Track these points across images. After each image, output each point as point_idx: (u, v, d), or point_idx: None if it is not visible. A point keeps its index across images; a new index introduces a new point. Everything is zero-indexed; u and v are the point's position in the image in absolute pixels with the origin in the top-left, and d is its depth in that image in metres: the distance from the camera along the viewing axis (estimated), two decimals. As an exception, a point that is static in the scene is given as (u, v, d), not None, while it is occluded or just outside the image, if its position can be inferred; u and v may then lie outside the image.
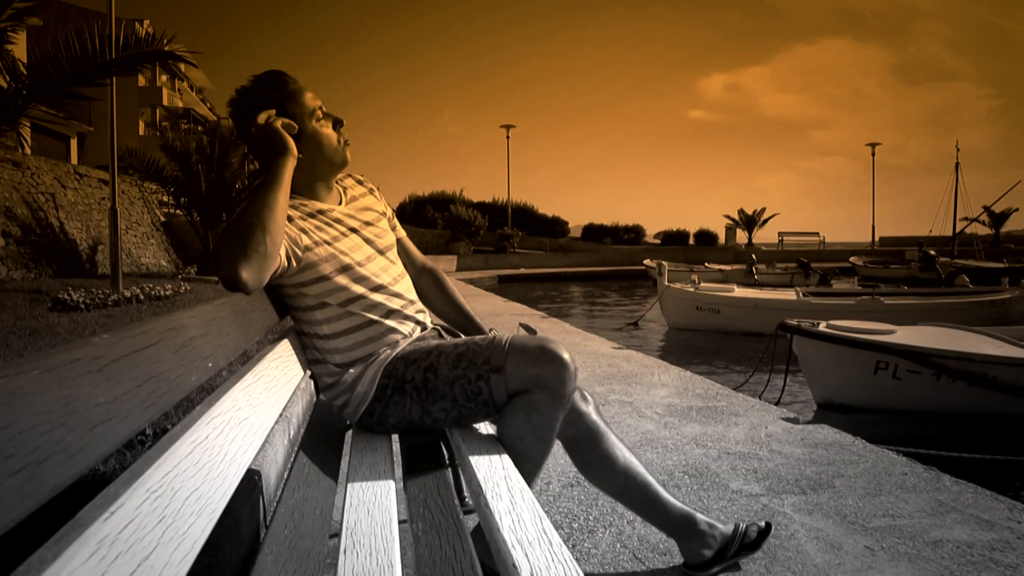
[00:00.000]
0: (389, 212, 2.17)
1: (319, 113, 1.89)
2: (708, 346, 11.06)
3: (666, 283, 12.85)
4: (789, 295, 12.18)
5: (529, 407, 1.74)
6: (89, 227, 14.29)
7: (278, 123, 1.74)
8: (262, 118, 1.75)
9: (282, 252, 1.65)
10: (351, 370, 1.85)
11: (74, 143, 25.09)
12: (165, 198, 17.39)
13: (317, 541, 1.22)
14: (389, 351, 1.86)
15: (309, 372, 1.90)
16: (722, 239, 41.15)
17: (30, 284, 9.45)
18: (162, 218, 19.10)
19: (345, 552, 1.17)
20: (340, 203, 1.97)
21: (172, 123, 28.43)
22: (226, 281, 1.46)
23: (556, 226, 40.00)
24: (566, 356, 1.76)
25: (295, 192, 1.85)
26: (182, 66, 47.70)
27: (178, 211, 16.44)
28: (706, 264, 28.32)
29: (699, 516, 2.06)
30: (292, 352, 1.75)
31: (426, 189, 42.43)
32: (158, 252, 17.18)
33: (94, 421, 0.63)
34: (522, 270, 31.17)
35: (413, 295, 2.04)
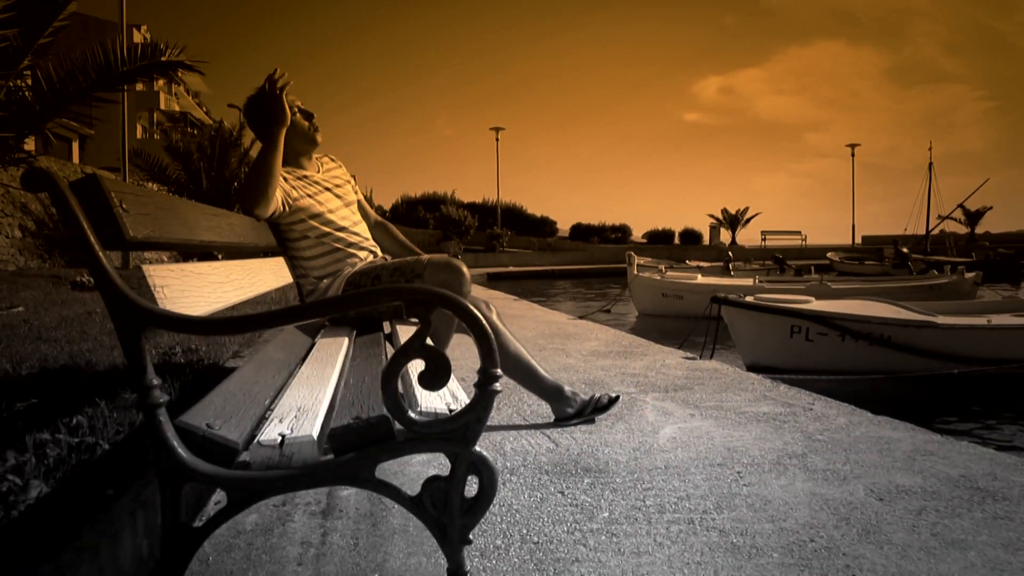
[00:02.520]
0: (353, 181, 3.14)
1: (297, 110, 2.84)
2: (671, 328, 12.02)
3: (635, 272, 13.83)
4: (747, 281, 13.16)
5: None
6: (96, 224, 15.21)
7: (285, 96, 2.62)
8: (280, 83, 2.60)
9: (279, 199, 2.60)
10: (324, 280, 2.81)
11: (75, 145, 25.99)
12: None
13: (293, 355, 2.17)
14: (350, 268, 2.82)
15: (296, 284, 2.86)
16: (707, 238, 42.17)
17: (48, 271, 10.39)
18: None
19: (309, 361, 2.10)
20: (318, 172, 2.94)
21: (171, 126, 29.29)
22: (246, 211, 2.42)
23: (545, 226, 41.04)
24: (463, 267, 2.71)
25: (287, 164, 2.80)
26: (180, 72, 48.39)
27: (179, 209, 17.31)
28: (687, 262, 29.28)
29: (565, 387, 3.02)
30: (284, 265, 2.71)
31: (420, 190, 43.54)
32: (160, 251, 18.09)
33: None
34: (511, 268, 32.11)
35: (367, 235, 3.00)
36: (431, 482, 1.18)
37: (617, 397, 3.13)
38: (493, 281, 28.26)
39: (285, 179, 2.71)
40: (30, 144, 9.02)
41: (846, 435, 2.81)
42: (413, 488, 1.22)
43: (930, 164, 32.19)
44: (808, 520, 1.93)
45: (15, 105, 5.96)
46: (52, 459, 1.69)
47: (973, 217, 43.68)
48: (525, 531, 1.87)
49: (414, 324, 2.80)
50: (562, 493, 2.16)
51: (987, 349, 6.48)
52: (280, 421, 1.23)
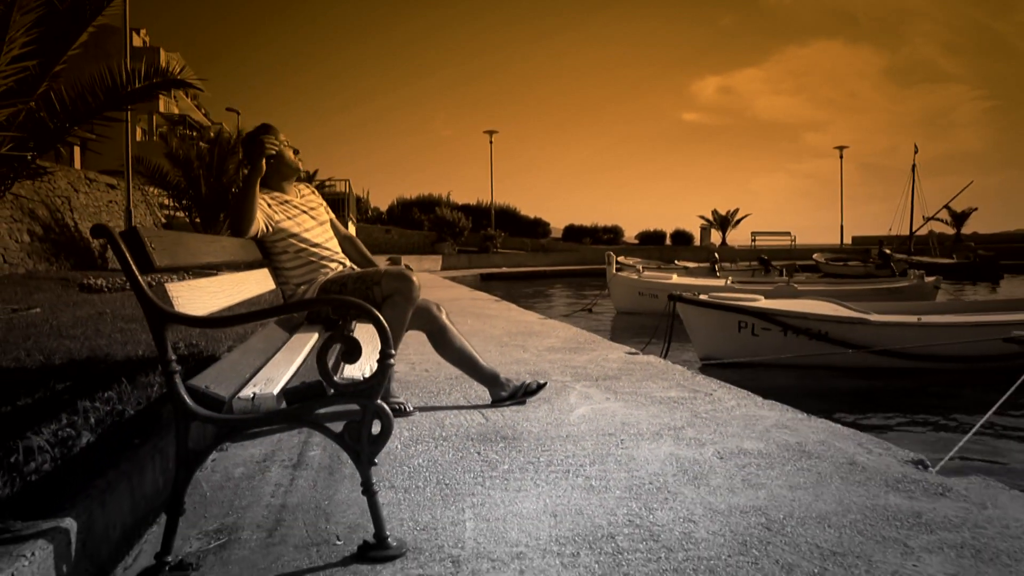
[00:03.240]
0: (325, 204, 3.79)
1: (285, 145, 3.49)
2: (646, 325, 12.67)
3: (614, 271, 14.49)
4: (719, 282, 13.82)
5: (392, 304, 3.33)
6: (98, 227, 15.84)
7: (268, 147, 3.27)
8: (267, 142, 3.26)
9: (262, 222, 3.25)
10: (302, 287, 3.45)
11: (77, 150, 26.61)
12: (166, 200, 18.95)
13: (271, 345, 2.81)
14: (323, 277, 3.47)
15: (280, 291, 3.51)
16: (697, 239, 42.84)
17: (56, 274, 11.03)
18: (163, 219, 20.65)
19: (283, 350, 2.74)
20: (297, 197, 3.58)
21: (169, 128, 29.88)
22: (233, 231, 3.06)
23: (538, 227, 41.73)
24: (414, 277, 3.36)
25: (271, 189, 3.45)
26: (179, 77, 48.92)
27: (178, 212, 18.01)
28: (676, 262, 29.91)
29: (501, 375, 3.66)
30: (268, 275, 3.36)
31: (418, 191, 44.21)
32: (160, 250, 18.73)
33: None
34: (504, 269, 32.75)
35: (337, 249, 3.64)
36: (349, 424, 1.82)
37: (545, 383, 3.79)
38: (486, 281, 28.93)
39: (269, 204, 3.36)
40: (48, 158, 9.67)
41: (726, 414, 3.45)
42: (339, 429, 1.87)
43: (913, 166, 32.89)
44: (655, 471, 2.57)
45: (33, 125, 6.60)
46: (94, 419, 2.33)
47: (959, 218, 44.41)
48: (441, 477, 2.52)
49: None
50: (478, 453, 2.80)
51: (913, 343, 7.12)
52: (254, 385, 1.88)
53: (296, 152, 3.59)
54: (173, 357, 1.75)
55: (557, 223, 44.93)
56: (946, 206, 36.89)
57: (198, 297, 2.10)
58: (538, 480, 2.48)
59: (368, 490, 1.83)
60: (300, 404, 1.80)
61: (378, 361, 1.81)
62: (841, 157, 43.57)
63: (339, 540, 1.97)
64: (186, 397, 1.74)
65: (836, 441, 2.95)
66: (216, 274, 2.55)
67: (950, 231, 44.46)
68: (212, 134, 41.29)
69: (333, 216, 3.83)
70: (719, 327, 7.82)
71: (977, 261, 29.36)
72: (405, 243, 36.42)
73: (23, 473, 1.85)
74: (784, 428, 3.17)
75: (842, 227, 43.01)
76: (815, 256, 33.14)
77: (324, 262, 3.52)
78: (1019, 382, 4.04)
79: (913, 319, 7.58)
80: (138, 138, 39.34)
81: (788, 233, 43.09)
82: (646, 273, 14.54)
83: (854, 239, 48.20)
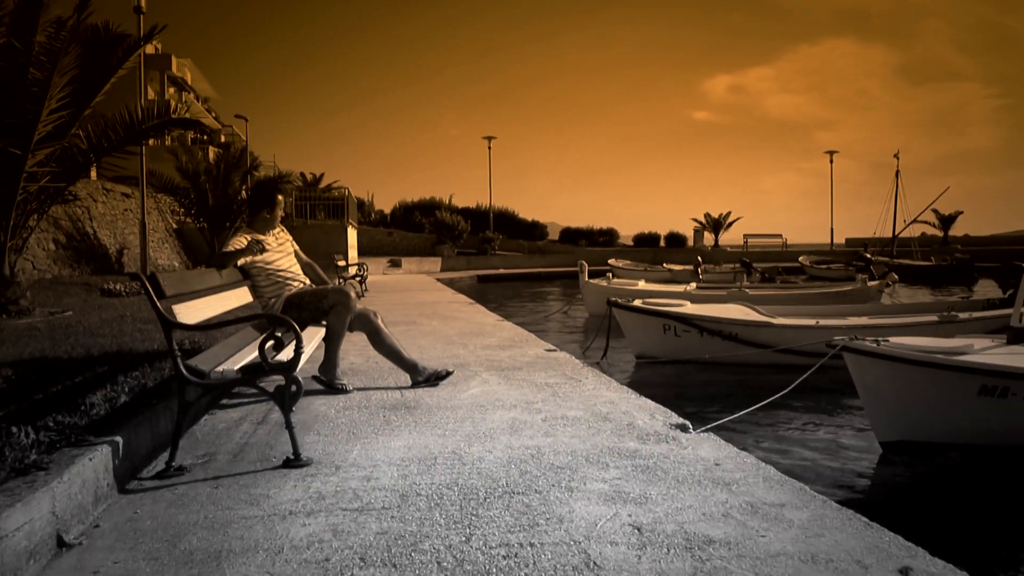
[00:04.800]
0: (291, 239, 5.14)
1: (280, 203, 4.85)
2: (614, 327, 13.96)
3: (585, 279, 15.79)
4: (680, 288, 15.10)
5: (335, 312, 4.67)
6: (115, 234, 17.27)
7: (249, 241, 4.61)
8: (253, 248, 4.63)
9: (239, 251, 4.59)
10: (272, 300, 4.79)
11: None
12: (177, 208, 20.38)
13: (244, 342, 4.15)
14: (288, 292, 4.81)
15: (258, 301, 4.85)
16: (691, 241, 44.04)
17: (78, 279, 12.43)
18: (174, 225, 22.07)
19: (248, 346, 4.07)
20: (273, 237, 4.92)
21: (179, 144, 31.27)
22: (218, 267, 4.41)
23: (535, 230, 43.07)
24: (351, 292, 4.70)
25: (257, 230, 4.80)
26: (188, 78, 49.91)
27: (188, 219, 19.44)
28: (665, 264, 31.13)
29: (419, 363, 4.99)
30: (247, 291, 4.70)
31: (422, 193, 45.55)
32: (171, 254, 20.15)
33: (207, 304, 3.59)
34: (501, 271, 34.10)
35: (299, 272, 4.99)
36: (277, 387, 3.15)
37: (452, 371, 5.12)
38: (483, 283, 30.33)
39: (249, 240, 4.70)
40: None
41: (578, 395, 4.75)
42: (271, 388, 3.20)
43: (897, 172, 33.97)
44: (493, 427, 3.88)
45: (65, 160, 7.96)
46: (128, 388, 3.67)
47: (946, 221, 45.51)
48: (351, 430, 3.85)
49: (323, 326, 4.78)
50: (384, 417, 4.12)
51: (809, 342, 8.37)
52: (224, 364, 3.22)
53: (279, 205, 4.97)
54: (177, 349, 3.09)
55: (558, 224, 46.26)
56: (932, 208, 37.95)
57: (191, 312, 3.44)
58: (413, 432, 3.80)
59: (288, 426, 3.17)
60: (249, 375, 3.14)
61: (294, 351, 3.14)
62: (831, 161, 44.72)
63: (274, 459, 3.30)
64: (184, 370, 3.08)
65: (634, 410, 4.25)
66: (204, 296, 3.85)
67: (938, 233, 45.57)
68: (222, 138, 42.63)
69: (298, 248, 5.18)
70: (647, 329, 9.12)
71: (953, 264, 30.47)
72: (406, 245, 37.77)
73: (90, 415, 3.18)
74: (609, 403, 4.46)
75: (832, 229, 44.22)
76: (800, 259, 34.30)
77: (289, 282, 4.87)
78: (791, 386, 5.27)
79: (812, 322, 8.85)
80: (151, 143, 40.89)
81: (779, 235, 44.27)
82: (614, 280, 15.83)
83: (848, 240, 49.27)
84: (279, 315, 3.24)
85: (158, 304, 3.10)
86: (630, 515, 2.58)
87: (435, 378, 5.01)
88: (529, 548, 2.31)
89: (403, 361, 4.97)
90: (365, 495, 2.81)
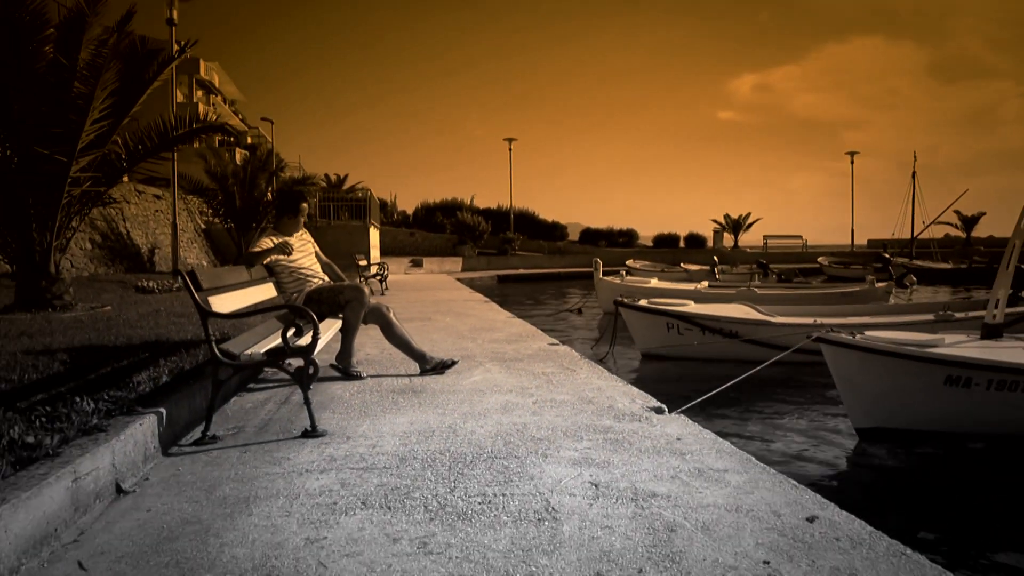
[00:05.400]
0: (312, 241, 5.66)
1: (304, 210, 5.38)
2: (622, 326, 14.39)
3: (599, 276, 16.22)
4: (691, 287, 15.48)
5: (350, 307, 5.18)
6: (147, 234, 18.00)
7: (279, 243, 5.14)
8: (280, 249, 5.16)
9: (266, 251, 5.12)
10: (294, 295, 5.31)
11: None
12: (205, 209, 21.11)
13: (270, 330, 4.67)
14: (309, 287, 5.33)
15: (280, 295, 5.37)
16: (711, 242, 44.24)
17: (113, 277, 13.10)
18: (202, 225, 22.81)
19: (274, 333, 4.59)
20: (297, 238, 5.45)
21: (208, 147, 32.11)
22: (246, 265, 4.93)
23: (555, 230, 43.52)
24: (365, 288, 5.21)
25: (283, 232, 5.32)
26: (216, 81, 50.89)
27: (216, 220, 20.14)
28: (682, 265, 31.43)
29: (428, 354, 5.48)
30: (272, 287, 5.23)
31: (444, 194, 46.13)
32: (200, 253, 20.88)
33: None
34: (520, 271, 34.62)
35: (319, 270, 5.50)
36: (297, 368, 3.66)
37: (456, 361, 5.61)
38: (503, 283, 30.87)
39: (275, 243, 5.23)
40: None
41: (570, 383, 5.22)
42: (292, 370, 3.71)
43: (913, 173, 34.02)
44: (488, 407, 4.36)
45: (105, 166, 8.57)
46: (168, 370, 4.21)
47: (968, 222, 45.31)
48: (363, 409, 4.35)
49: (340, 319, 5.29)
50: (393, 399, 4.62)
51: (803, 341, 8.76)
52: (252, 348, 3.73)
53: (304, 212, 5.51)
54: (213, 335, 3.61)
55: (581, 225, 46.61)
56: (954, 210, 37.87)
57: (224, 304, 3.96)
58: (416, 411, 4.29)
59: (306, 401, 3.68)
60: (274, 357, 3.65)
61: (311, 337, 3.65)
62: (852, 163, 44.69)
63: (294, 431, 3.80)
64: (218, 353, 3.59)
65: (617, 395, 4.71)
66: (234, 290, 4.36)
67: (961, 235, 45.39)
68: (248, 139, 43.45)
69: (318, 249, 5.70)
70: (652, 327, 9.55)
71: (971, 267, 30.46)
72: (428, 246, 38.40)
73: (137, 391, 3.71)
74: (596, 390, 4.93)
75: (852, 230, 44.12)
76: (819, 260, 34.42)
77: (309, 279, 5.38)
78: (758, 368, 5.69)
79: (810, 320, 9.22)
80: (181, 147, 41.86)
81: (799, 236, 44.33)
82: (628, 278, 16.25)
83: (869, 242, 49.15)
84: (300, 306, 3.74)
85: (196, 296, 3.62)
86: (591, 476, 3.05)
87: (441, 367, 5.50)
88: (501, 497, 2.79)
89: (412, 351, 5.47)
90: (370, 458, 3.31)
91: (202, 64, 45.44)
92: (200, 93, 46.16)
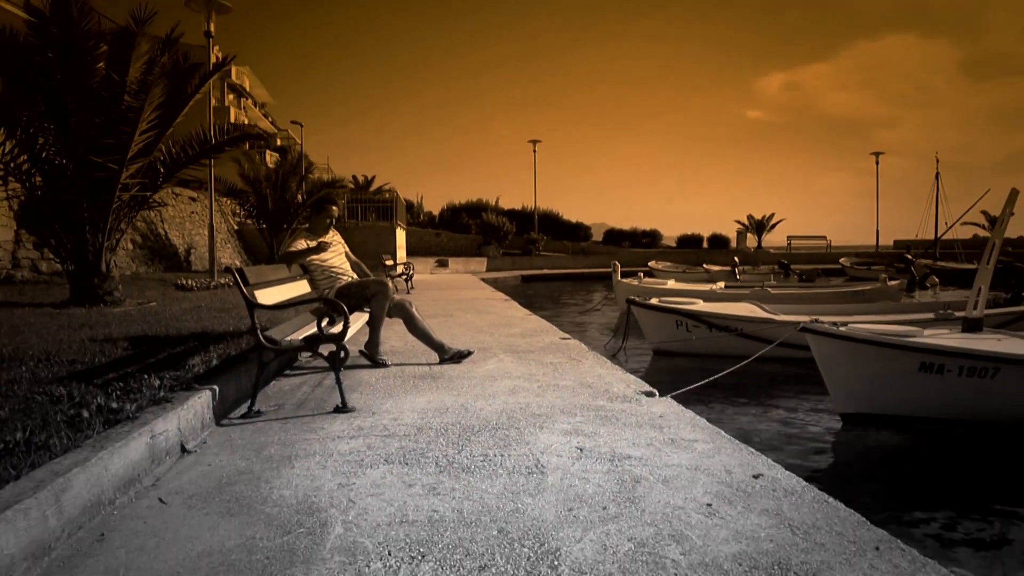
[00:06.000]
0: (343, 242, 6.26)
1: (335, 214, 5.99)
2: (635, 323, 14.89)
3: (618, 278, 16.70)
4: (706, 287, 15.90)
5: (376, 300, 5.77)
6: (183, 235, 18.80)
7: (319, 243, 5.75)
8: (317, 249, 5.78)
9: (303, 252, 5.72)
10: (326, 291, 5.91)
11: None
12: (238, 210, 21.92)
13: (304, 322, 5.27)
14: (339, 283, 5.92)
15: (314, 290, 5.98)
16: (734, 243, 44.41)
17: (153, 275, 13.85)
18: (235, 226, 23.64)
19: (309, 323, 5.19)
20: (329, 238, 6.05)
21: (242, 152, 33.04)
22: (286, 264, 5.54)
23: (579, 231, 44.00)
24: (389, 283, 5.80)
25: (316, 234, 5.93)
26: (247, 85, 51.99)
27: (248, 221, 20.94)
28: (704, 265, 31.74)
29: (446, 344, 6.06)
30: (306, 283, 5.84)
31: (469, 195, 46.85)
32: (233, 253, 21.68)
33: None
34: (544, 271, 35.17)
35: (348, 268, 6.10)
36: (330, 352, 4.24)
37: (472, 352, 6.17)
38: (526, 282, 31.45)
39: (311, 244, 5.83)
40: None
41: (574, 370, 5.75)
42: (326, 354, 4.29)
43: (936, 174, 33.96)
44: (497, 390, 4.91)
45: (151, 173, 9.25)
46: (217, 355, 4.81)
47: (995, 222, 44.96)
48: (387, 391, 4.92)
49: (366, 312, 5.87)
50: (414, 383, 5.19)
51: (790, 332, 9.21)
52: (292, 335, 4.32)
53: (336, 210, 6.11)
54: (258, 323, 4.20)
55: (607, 225, 46.97)
56: (981, 211, 37.67)
57: (266, 297, 4.55)
58: (434, 392, 4.85)
59: (338, 381, 4.26)
60: (310, 342, 4.24)
61: (342, 324, 4.23)
62: (877, 163, 44.64)
63: (327, 408, 4.38)
64: (262, 339, 4.19)
65: (615, 382, 5.24)
66: (275, 286, 4.96)
67: (988, 235, 45.02)
68: (278, 141, 44.40)
69: (348, 249, 6.29)
70: (662, 324, 10.03)
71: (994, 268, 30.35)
72: (453, 246, 39.07)
73: (193, 371, 4.30)
74: (597, 377, 5.45)
75: (877, 231, 44.11)
76: (841, 260, 34.53)
77: (340, 276, 5.98)
78: (749, 359, 6.17)
79: (810, 317, 9.64)
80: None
81: (824, 237, 44.37)
82: (645, 280, 16.73)
83: (896, 242, 48.97)
84: (333, 299, 4.32)
85: (244, 290, 4.21)
86: (578, 443, 3.59)
87: (458, 356, 6.06)
88: (500, 457, 3.34)
89: (432, 342, 6.04)
90: (392, 428, 3.87)
91: (233, 69, 46.53)
92: (231, 97, 47.26)
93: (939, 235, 32.74)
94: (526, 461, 3.28)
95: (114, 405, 3.32)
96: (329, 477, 3.07)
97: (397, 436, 3.72)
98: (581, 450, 3.46)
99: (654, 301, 10.35)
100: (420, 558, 2.29)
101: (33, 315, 7.35)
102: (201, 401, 3.85)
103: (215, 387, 4.05)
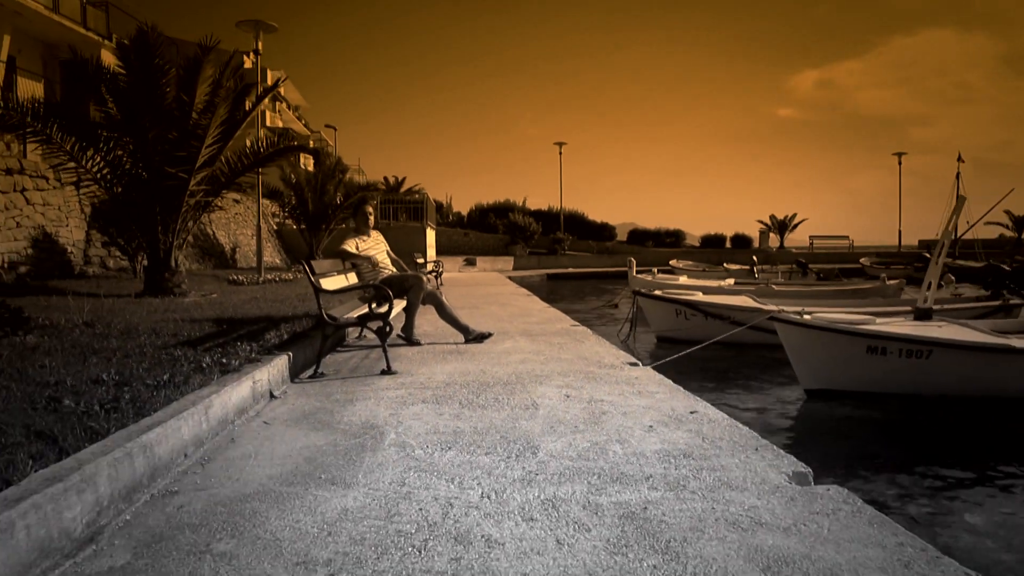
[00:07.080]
0: (383, 240, 7.48)
1: (373, 215, 7.22)
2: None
3: (633, 273, 17.79)
4: (715, 283, 16.92)
5: (412, 290, 6.98)
6: (229, 235, 20.23)
7: (363, 246, 6.99)
8: (363, 257, 6.99)
9: (354, 250, 6.94)
10: (371, 281, 7.13)
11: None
12: (278, 211, 23.35)
13: (355, 305, 6.47)
14: (381, 276, 7.14)
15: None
16: (756, 242, 45.11)
17: (206, 271, 15.22)
18: (274, 227, 25.08)
19: (360, 306, 6.40)
20: (371, 237, 7.27)
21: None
22: (342, 259, 6.77)
23: (604, 231, 45.04)
24: (423, 278, 7.02)
25: (361, 233, 7.17)
26: (282, 90, 53.54)
27: (289, 221, 22.34)
28: (724, 265, 32.60)
29: (471, 326, 7.24)
30: (353, 275, 7.07)
31: (499, 194, 48.10)
32: (273, 252, 23.11)
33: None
34: (569, 269, 36.28)
35: (389, 263, 7.33)
36: (379, 327, 5.44)
37: (492, 334, 7.34)
38: (552, 280, 32.61)
39: (357, 244, 7.04)
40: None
41: (576, 347, 6.88)
42: (374, 328, 5.49)
43: (957, 174, 34.38)
44: (510, 360, 6.07)
45: (213, 181, 10.56)
46: (286, 331, 6.03)
47: (1019, 222, 45.20)
48: (422, 361, 6.11)
49: (404, 300, 7.07)
50: (442, 356, 6.37)
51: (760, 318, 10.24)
52: (348, 314, 5.54)
53: (372, 210, 7.33)
54: (323, 304, 5.42)
55: (633, 224, 47.90)
56: (1004, 210, 38.02)
57: (328, 283, 5.78)
58: (458, 362, 6.02)
59: (384, 350, 5.46)
60: (362, 319, 5.44)
61: (386, 307, 5.43)
62: (900, 164, 45.07)
63: (375, 372, 5.58)
64: (325, 316, 5.40)
65: (607, 355, 6.37)
66: (332, 277, 6.17)
67: (1012, 235, 45.31)
68: (311, 143, 45.93)
69: (388, 247, 7.51)
70: (664, 313, 11.13)
71: (1010, 269, 30.89)
72: (481, 245, 40.31)
73: (268, 343, 5.52)
74: (594, 352, 6.58)
75: (900, 230, 44.59)
76: (861, 260, 35.15)
77: (381, 270, 7.19)
78: (719, 338, 7.26)
79: (797, 309, 10.66)
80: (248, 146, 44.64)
81: (846, 237, 44.92)
82: (659, 276, 17.81)
83: (920, 242, 49.27)
84: (380, 285, 5.52)
85: (312, 279, 5.43)
86: (567, 393, 4.74)
87: (481, 337, 7.24)
88: (506, 399, 4.50)
89: (458, 325, 7.22)
90: (426, 383, 5.06)
91: (269, 74, 48.15)
92: (267, 101, 48.82)
93: (959, 235, 33.29)
94: (525, 401, 4.44)
95: (224, 360, 4.55)
96: (382, 410, 4.26)
97: (430, 388, 4.91)
98: (568, 396, 4.61)
99: (657, 292, 11.44)
100: (447, 448, 3.46)
101: (118, 304, 8.67)
102: (281, 362, 5.06)
103: (289, 353, 5.27)
